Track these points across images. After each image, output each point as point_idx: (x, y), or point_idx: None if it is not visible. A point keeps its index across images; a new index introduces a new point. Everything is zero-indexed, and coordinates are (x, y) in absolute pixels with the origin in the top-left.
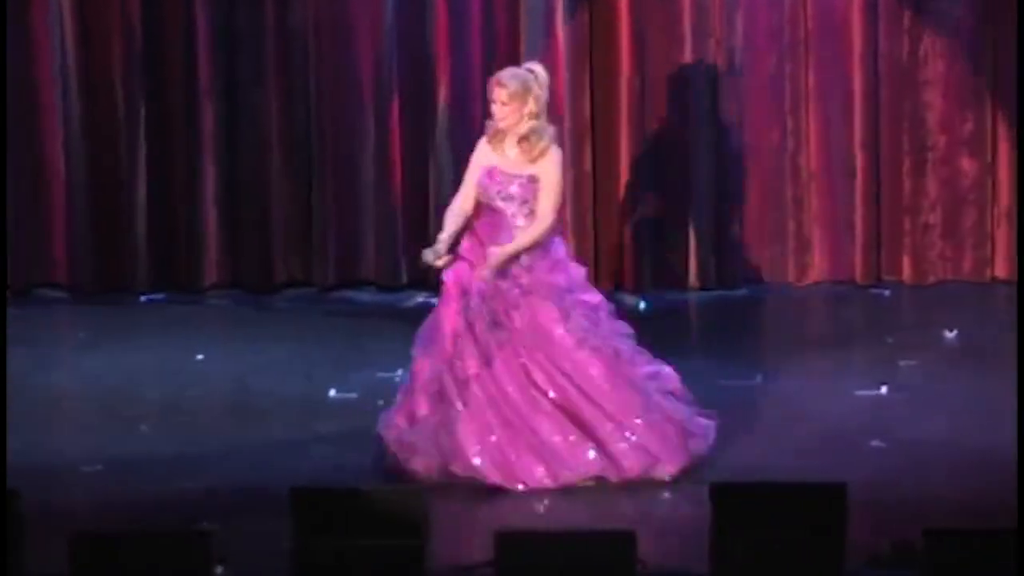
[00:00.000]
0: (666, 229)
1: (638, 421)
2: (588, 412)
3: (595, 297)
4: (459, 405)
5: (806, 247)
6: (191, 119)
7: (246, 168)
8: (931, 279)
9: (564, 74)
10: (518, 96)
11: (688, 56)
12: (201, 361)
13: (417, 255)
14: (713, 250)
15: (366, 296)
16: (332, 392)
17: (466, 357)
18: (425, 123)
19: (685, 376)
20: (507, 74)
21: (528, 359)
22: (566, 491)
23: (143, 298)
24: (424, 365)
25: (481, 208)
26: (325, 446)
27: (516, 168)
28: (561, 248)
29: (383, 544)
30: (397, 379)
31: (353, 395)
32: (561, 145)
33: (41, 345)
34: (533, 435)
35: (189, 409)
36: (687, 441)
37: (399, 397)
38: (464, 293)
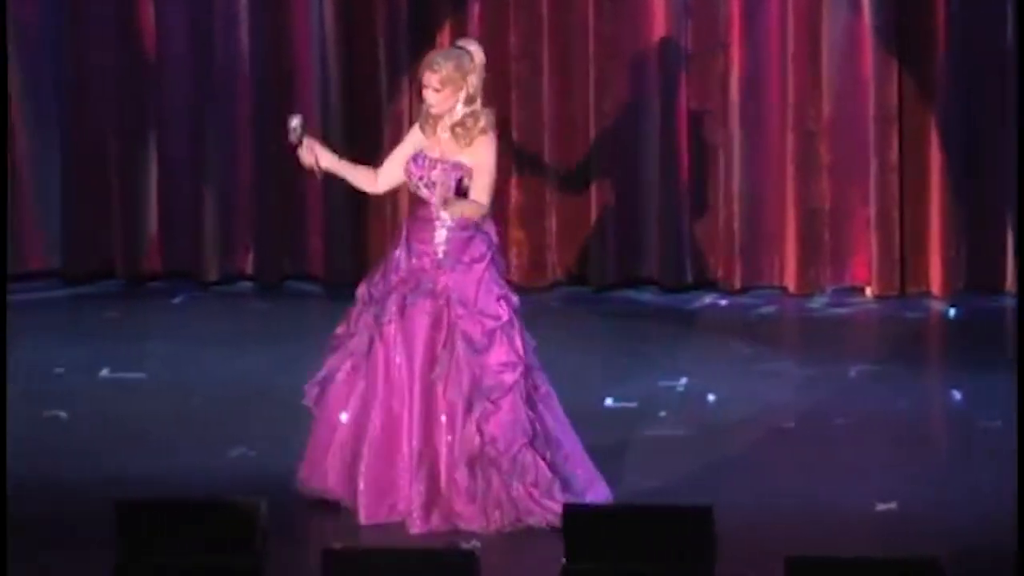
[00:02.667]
0: (980, 226)
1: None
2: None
3: (499, 315)
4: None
5: None
6: None
7: (516, 152)
8: None
9: (869, 55)
10: (452, 80)
11: (1011, 34)
12: None
13: (704, 252)
14: None
15: (647, 296)
16: (608, 401)
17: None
18: (714, 108)
19: (992, 396)
20: (440, 56)
21: (392, 378)
22: (855, 515)
23: None
24: None
25: (413, 204)
26: (596, 459)
27: (444, 154)
28: (482, 246)
29: (659, 569)
30: (680, 388)
31: (631, 404)
32: (870, 133)
33: (291, 342)
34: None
35: None
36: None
37: None
38: (367, 298)
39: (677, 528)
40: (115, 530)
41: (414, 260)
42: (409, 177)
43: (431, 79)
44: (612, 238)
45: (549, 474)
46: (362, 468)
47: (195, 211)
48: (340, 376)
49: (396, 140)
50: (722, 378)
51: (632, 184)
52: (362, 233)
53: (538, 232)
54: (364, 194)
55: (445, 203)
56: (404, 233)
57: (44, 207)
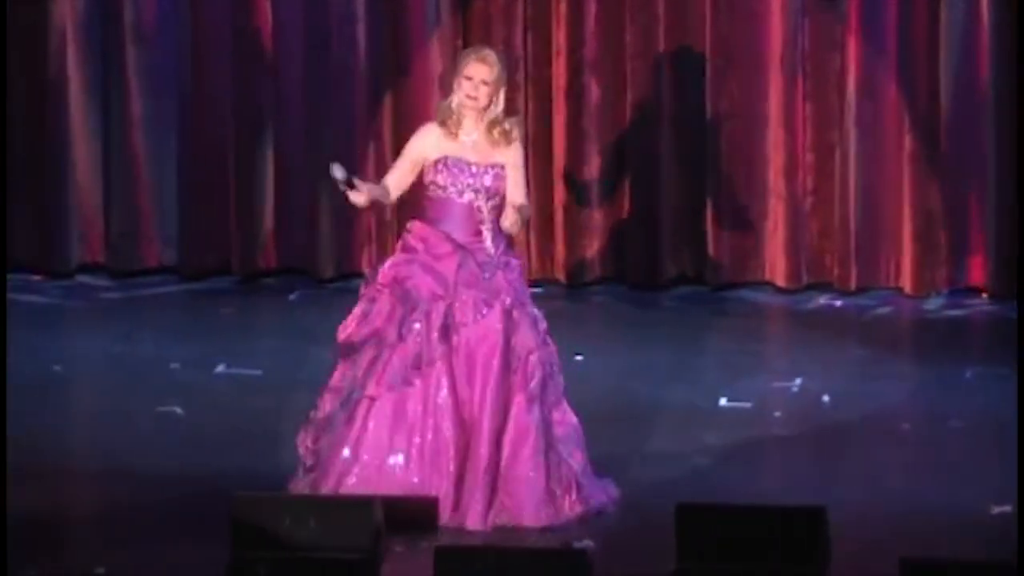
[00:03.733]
0: None
1: (532, 474)
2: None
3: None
4: (353, 423)
5: None
6: (574, 95)
7: (631, 152)
8: None
9: (987, 54)
10: (500, 80)
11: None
12: (579, 362)
13: (820, 252)
14: None
15: (762, 296)
16: (722, 401)
17: (376, 371)
18: (831, 110)
19: None
20: (492, 55)
21: (460, 382)
22: (970, 517)
23: None
24: (344, 368)
25: (437, 204)
26: (709, 459)
27: (481, 157)
28: (510, 247)
29: (771, 568)
30: (795, 388)
31: (746, 404)
32: (987, 133)
33: None
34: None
35: None
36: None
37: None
38: (403, 293)
39: (790, 528)
40: (230, 524)
41: (472, 263)
42: (449, 182)
43: (484, 73)
44: (727, 238)
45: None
46: (468, 471)
47: (311, 208)
48: (381, 382)
49: None
50: (837, 379)
51: (747, 184)
52: None
53: (653, 232)
54: None
55: (511, 222)
56: (447, 236)
57: (161, 205)
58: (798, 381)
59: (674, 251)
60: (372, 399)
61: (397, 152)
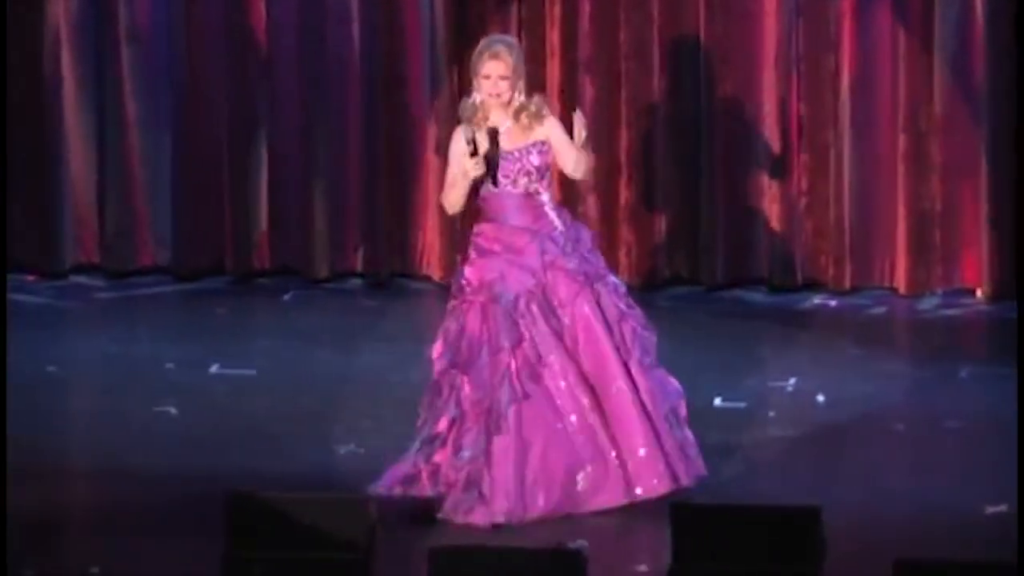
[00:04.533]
0: None
1: (642, 452)
2: (601, 431)
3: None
4: (506, 433)
5: None
6: (569, 96)
7: (626, 153)
8: None
9: (981, 53)
10: (518, 69)
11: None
12: None
13: (814, 252)
14: None
15: (757, 296)
16: (717, 400)
17: (503, 378)
18: (825, 109)
19: None
20: (502, 46)
21: (579, 361)
22: (965, 517)
23: None
24: (463, 382)
25: (493, 200)
26: (704, 459)
27: (519, 141)
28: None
29: (765, 569)
30: (790, 388)
31: (741, 404)
32: (982, 132)
33: (400, 340)
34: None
35: None
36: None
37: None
38: (495, 296)
39: (785, 529)
40: (224, 522)
41: (551, 245)
42: (501, 176)
43: (500, 69)
44: (722, 238)
45: None
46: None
47: (305, 208)
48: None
49: None
50: (831, 379)
51: (742, 184)
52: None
53: (648, 232)
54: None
55: (572, 165)
56: (517, 229)
57: (155, 205)
58: (793, 381)
59: (669, 251)
60: (518, 405)
61: (393, 152)
